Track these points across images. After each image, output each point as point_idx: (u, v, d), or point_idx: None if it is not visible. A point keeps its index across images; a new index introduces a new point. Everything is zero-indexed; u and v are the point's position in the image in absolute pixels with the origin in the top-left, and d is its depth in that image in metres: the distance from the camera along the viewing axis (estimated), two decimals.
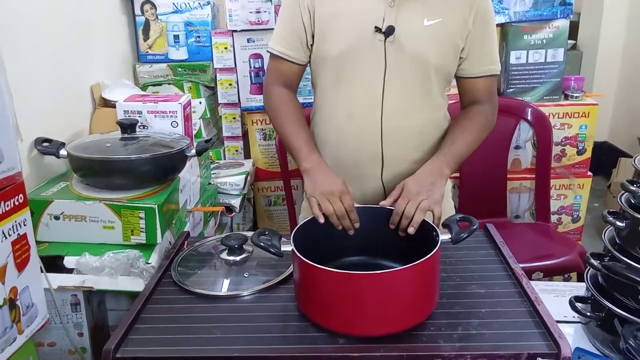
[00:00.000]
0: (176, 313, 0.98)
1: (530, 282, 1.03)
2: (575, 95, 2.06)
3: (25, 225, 0.90)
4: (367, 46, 1.14)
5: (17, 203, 0.88)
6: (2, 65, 0.86)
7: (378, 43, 1.13)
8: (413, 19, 1.13)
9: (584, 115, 2.04)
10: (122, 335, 0.90)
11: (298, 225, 1.01)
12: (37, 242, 1.16)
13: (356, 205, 1.07)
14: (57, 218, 1.19)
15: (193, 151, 1.37)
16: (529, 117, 2.00)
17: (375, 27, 1.12)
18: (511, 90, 2.04)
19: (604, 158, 3.10)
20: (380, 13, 1.12)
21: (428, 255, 0.87)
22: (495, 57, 1.22)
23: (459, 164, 1.20)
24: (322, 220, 1.04)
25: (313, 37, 1.19)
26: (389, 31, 1.12)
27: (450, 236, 0.97)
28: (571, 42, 3.05)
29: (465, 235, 0.96)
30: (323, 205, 1.05)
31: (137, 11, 2.00)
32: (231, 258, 1.11)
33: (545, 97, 2.05)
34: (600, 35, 3.22)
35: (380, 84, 1.16)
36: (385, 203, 1.07)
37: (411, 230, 1.01)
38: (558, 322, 0.91)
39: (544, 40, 1.99)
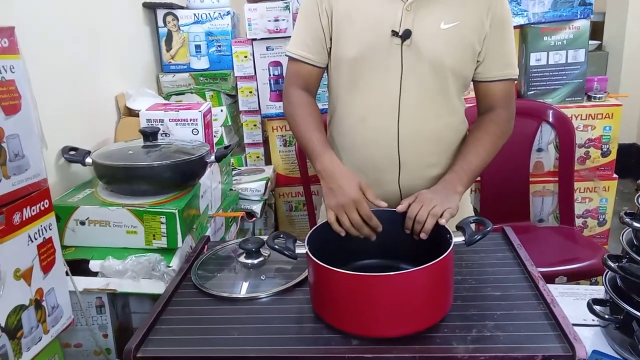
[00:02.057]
0: (195, 315, 1.00)
1: (550, 285, 1.02)
2: (598, 96, 2.03)
3: (50, 229, 0.94)
4: (383, 50, 1.14)
5: (42, 208, 0.92)
6: (27, 75, 0.90)
7: (395, 47, 1.13)
8: (430, 22, 1.13)
9: (607, 116, 2.01)
10: (143, 335, 0.92)
11: (313, 228, 1.03)
12: (64, 247, 1.21)
13: (371, 208, 1.08)
14: (82, 223, 1.23)
15: (212, 157, 1.40)
16: (551, 119, 1.97)
17: (392, 30, 1.12)
18: (532, 92, 2.02)
19: (632, 160, 3.03)
20: (396, 16, 1.12)
21: (441, 257, 0.87)
22: (513, 62, 1.20)
23: (474, 178, 1.19)
24: (343, 234, 1.04)
25: (331, 39, 1.20)
26: (406, 35, 1.12)
27: (463, 238, 0.97)
28: (596, 42, 3.01)
29: (478, 237, 0.96)
30: (340, 218, 1.04)
31: (160, 23, 2.06)
32: (249, 261, 1.13)
33: (567, 99, 2.03)
34: (626, 35, 3.16)
35: (397, 88, 1.16)
36: (400, 208, 1.07)
37: (423, 236, 1.02)
38: (577, 325, 0.90)
39: (565, 41, 1.97)
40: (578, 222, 2.10)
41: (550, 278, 1.60)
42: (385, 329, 0.88)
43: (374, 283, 0.86)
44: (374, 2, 1.14)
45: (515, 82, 1.25)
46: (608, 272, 1.00)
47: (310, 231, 1.01)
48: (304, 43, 1.21)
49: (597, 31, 3.08)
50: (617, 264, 0.93)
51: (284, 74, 2.00)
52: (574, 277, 1.71)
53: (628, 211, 0.94)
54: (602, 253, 1.75)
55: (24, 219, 0.88)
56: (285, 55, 1.26)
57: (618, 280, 0.97)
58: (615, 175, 2.08)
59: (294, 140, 2.10)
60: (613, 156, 2.05)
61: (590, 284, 1.90)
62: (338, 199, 1.06)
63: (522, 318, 0.92)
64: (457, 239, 0.96)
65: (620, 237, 0.97)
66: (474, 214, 1.36)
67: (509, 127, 1.23)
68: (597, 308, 0.97)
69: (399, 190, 1.25)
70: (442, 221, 1.01)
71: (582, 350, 0.82)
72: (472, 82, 1.25)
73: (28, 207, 0.89)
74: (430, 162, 1.23)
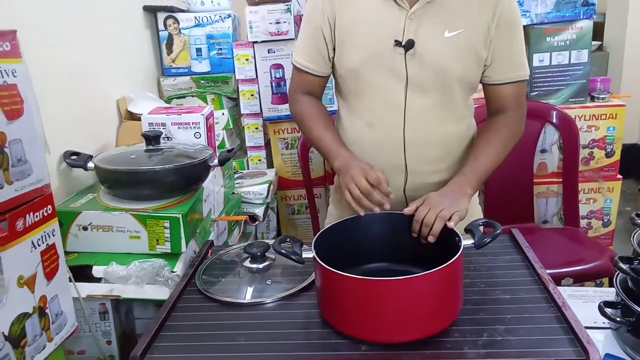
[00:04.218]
0: (200, 320, 0.99)
1: (559, 287, 1.01)
2: (601, 96, 2.02)
3: (53, 235, 0.93)
4: (387, 59, 1.13)
5: (45, 214, 0.91)
6: (29, 80, 0.89)
7: (398, 56, 1.12)
8: (433, 31, 1.11)
9: (611, 116, 2.00)
10: (148, 342, 0.91)
11: (319, 232, 1.02)
12: (67, 253, 1.19)
13: (377, 211, 1.07)
14: (85, 229, 1.22)
15: (215, 161, 1.38)
16: (554, 120, 1.97)
17: (395, 40, 1.11)
18: (535, 93, 2.01)
19: (634, 160, 3.02)
20: (400, 25, 1.11)
21: (450, 261, 0.86)
22: (523, 62, 1.18)
23: (484, 180, 1.18)
24: (362, 213, 1.06)
25: (334, 49, 1.20)
26: (409, 45, 1.11)
27: (473, 241, 0.96)
28: (597, 43, 3.00)
29: (488, 240, 0.95)
30: (352, 191, 1.06)
31: (161, 26, 2.05)
32: (254, 266, 1.11)
33: (570, 100, 2.02)
34: (627, 36, 3.15)
35: (402, 97, 1.15)
36: (407, 211, 1.06)
37: (431, 239, 1.01)
38: (588, 328, 0.89)
39: (568, 42, 1.96)
40: (582, 223, 2.09)
41: (556, 280, 1.58)
42: (395, 334, 0.87)
43: (383, 287, 0.85)
44: (378, 10, 1.13)
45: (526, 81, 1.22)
46: (619, 273, 0.98)
47: (317, 235, 1.00)
48: (305, 53, 1.23)
49: (597, 32, 3.07)
50: (628, 265, 0.92)
51: (286, 77, 2.03)
52: (580, 279, 1.70)
53: (638, 212, 0.93)
54: (607, 254, 1.74)
55: (27, 225, 0.87)
56: (292, 62, 1.28)
57: (629, 282, 0.96)
58: (619, 176, 2.07)
59: (296, 143, 2.09)
60: (617, 157, 2.04)
61: (596, 285, 1.89)
62: (349, 172, 1.09)
63: (533, 322, 0.91)
64: (467, 241, 0.95)
65: (632, 239, 0.96)
66: (482, 216, 1.35)
67: (520, 128, 1.22)
68: (608, 310, 0.96)
69: (404, 197, 1.24)
70: (451, 224, 1.00)
71: (596, 354, 0.80)
72: (481, 84, 1.23)
73: (31, 213, 0.87)
74: (436, 168, 1.22)
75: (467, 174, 1.13)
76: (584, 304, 1.12)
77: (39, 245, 0.89)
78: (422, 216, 1.03)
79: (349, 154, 1.16)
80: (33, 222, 0.88)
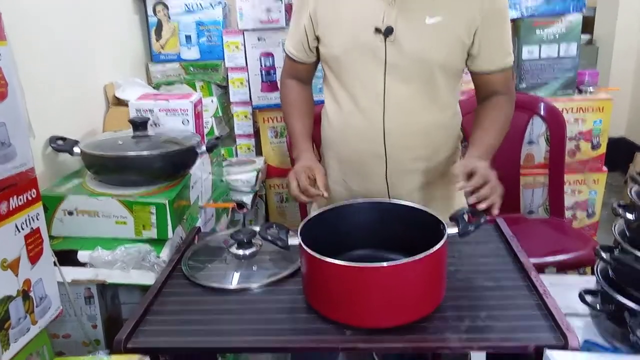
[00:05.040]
0: (186, 305, 0.99)
1: (541, 275, 1.02)
2: (589, 89, 2.03)
3: (38, 219, 0.92)
4: (367, 46, 1.13)
5: (30, 198, 0.90)
6: (14, 64, 0.88)
7: (379, 43, 1.13)
8: (414, 17, 1.11)
9: (598, 109, 2.02)
10: (133, 326, 0.92)
11: (305, 219, 1.02)
12: (52, 237, 1.19)
13: (362, 200, 1.08)
14: (70, 214, 1.21)
15: (203, 148, 1.38)
16: (542, 112, 1.98)
17: (375, 27, 1.11)
18: (524, 85, 2.02)
19: (621, 153, 3.05)
20: (380, 12, 1.11)
21: (435, 248, 0.87)
22: (510, 49, 1.19)
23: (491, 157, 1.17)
24: (304, 199, 1.13)
25: (318, 39, 1.21)
26: (388, 31, 1.11)
27: (457, 229, 0.97)
28: (587, 36, 3.02)
29: (472, 229, 0.96)
30: (291, 184, 1.14)
31: (150, 12, 2.03)
32: (241, 252, 1.12)
33: (558, 92, 2.03)
34: (616, 30, 3.17)
35: (381, 84, 1.15)
36: (460, 186, 1.03)
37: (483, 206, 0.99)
38: (568, 315, 0.91)
39: (557, 35, 1.97)
40: (567, 214, 2.11)
41: (540, 269, 1.60)
42: (379, 319, 0.88)
43: (367, 273, 0.86)
44: None
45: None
46: (599, 262, 1.00)
47: (303, 222, 1.00)
48: (292, 39, 1.28)
49: (587, 25, 3.09)
50: (609, 254, 0.94)
51: (277, 66, 2.03)
52: (563, 268, 1.72)
53: (621, 203, 0.94)
54: (591, 244, 1.76)
55: (10, 208, 0.86)
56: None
57: (609, 271, 0.98)
58: (605, 168, 2.10)
59: (285, 131, 2.08)
60: (603, 149, 2.07)
61: (579, 275, 1.92)
62: (295, 166, 1.18)
63: (514, 308, 0.93)
64: (451, 230, 0.96)
65: (613, 228, 0.97)
66: (467, 205, 1.36)
67: (512, 109, 1.23)
68: (588, 298, 0.97)
69: (386, 184, 1.25)
70: (482, 206, 0.99)
71: (575, 340, 0.82)
72: (469, 72, 1.22)
73: (15, 197, 0.87)
74: (417, 156, 1.22)
75: (479, 147, 1.13)
76: (565, 292, 1.13)
77: (22, 229, 0.89)
78: (481, 184, 1.01)
79: (306, 147, 1.24)
80: (17, 205, 0.87)
